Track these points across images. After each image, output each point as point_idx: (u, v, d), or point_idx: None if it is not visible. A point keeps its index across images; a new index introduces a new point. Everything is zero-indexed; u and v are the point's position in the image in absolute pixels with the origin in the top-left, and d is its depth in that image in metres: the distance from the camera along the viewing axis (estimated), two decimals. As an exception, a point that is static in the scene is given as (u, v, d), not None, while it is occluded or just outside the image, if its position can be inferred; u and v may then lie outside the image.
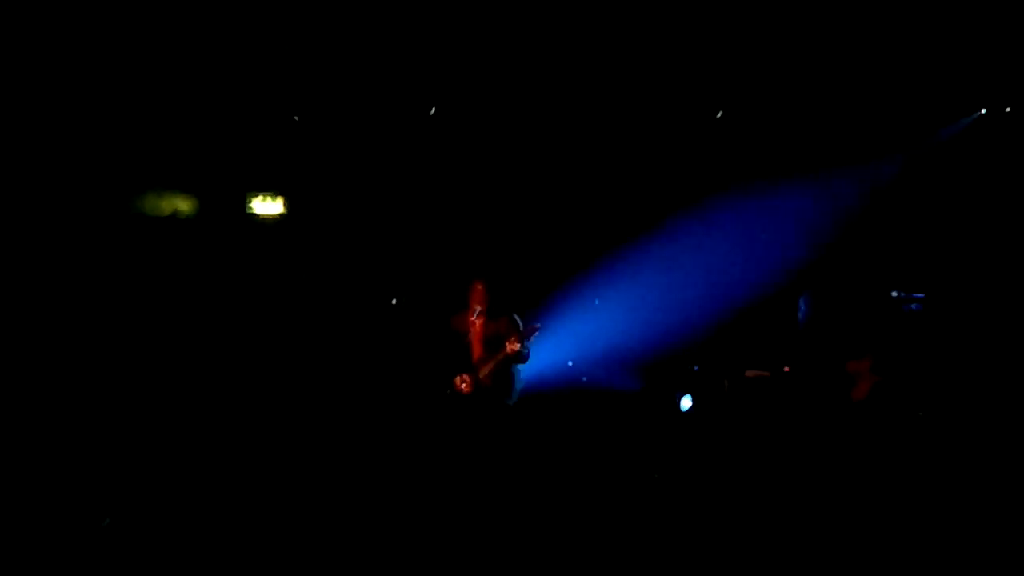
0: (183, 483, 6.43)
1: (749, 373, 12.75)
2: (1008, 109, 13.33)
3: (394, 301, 14.34)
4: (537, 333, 10.94)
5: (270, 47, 12.78)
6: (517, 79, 13.38)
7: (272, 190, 14.53)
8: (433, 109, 14.03)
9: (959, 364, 11.44)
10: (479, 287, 10.91)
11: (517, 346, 10.63)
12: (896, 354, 10.76)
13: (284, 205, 14.64)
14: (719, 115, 14.15)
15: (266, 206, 14.59)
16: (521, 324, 11.02)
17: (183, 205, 14.08)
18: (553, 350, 13.00)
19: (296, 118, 13.81)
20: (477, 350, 10.88)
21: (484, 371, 10.75)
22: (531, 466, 6.40)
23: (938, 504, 6.34)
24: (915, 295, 12.61)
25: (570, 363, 13.57)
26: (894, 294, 11.84)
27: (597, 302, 14.01)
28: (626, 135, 14.38)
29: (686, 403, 12.95)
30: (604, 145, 14.54)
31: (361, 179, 14.37)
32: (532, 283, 14.06)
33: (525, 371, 11.07)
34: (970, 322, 12.47)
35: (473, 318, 10.91)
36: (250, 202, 14.56)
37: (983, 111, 13.35)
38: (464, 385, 10.69)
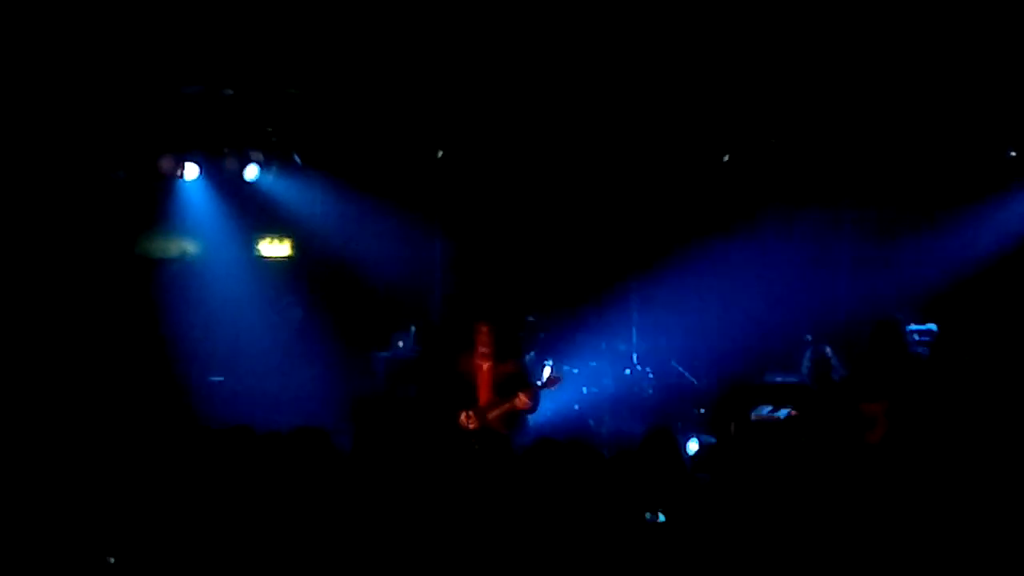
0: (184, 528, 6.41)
1: (756, 417, 12.70)
2: None
3: (400, 344, 14.32)
4: (555, 387, 10.87)
5: (274, 92, 12.83)
6: (526, 119, 13.40)
7: (279, 232, 14.59)
8: (440, 152, 14.07)
9: (973, 407, 11.37)
10: (484, 329, 10.78)
11: (529, 403, 10.54)
12: (911, 398, 10.71)
13: (291, 247, 14.70)
14: (726, 158, 14.18)
15: (273, 248, 14.65)
16: (533, 373, 10.94)
17: (190, 247, 14.15)
18: (561, 392, 12.96)
19: (299, 160, 13.85)
20: (484, 394, 10.74)
21: (493, 415, 10.63)
22: (530, 508, 6.36)
23: (948, 548, 6.31)
24: (928, 326, 12.56)
25: (577, 406, 13.53)
26: (909, 328, 11.77)
27: (604, 345, 13.96)
28: (635, 171, 14.39)
29: (692, 447, 12.90)
30: (614, 188, 14.57)
31: (370, 220, 14.39)
32: (541, 323, 14.10)
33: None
34: (984, 358, 12.40)
35: (479, 361, 10.81)
36: (258, 244, 14.62)
37: None
38: (470, 422, 10.57)
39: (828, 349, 11.96)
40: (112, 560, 6.25)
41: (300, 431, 7.09)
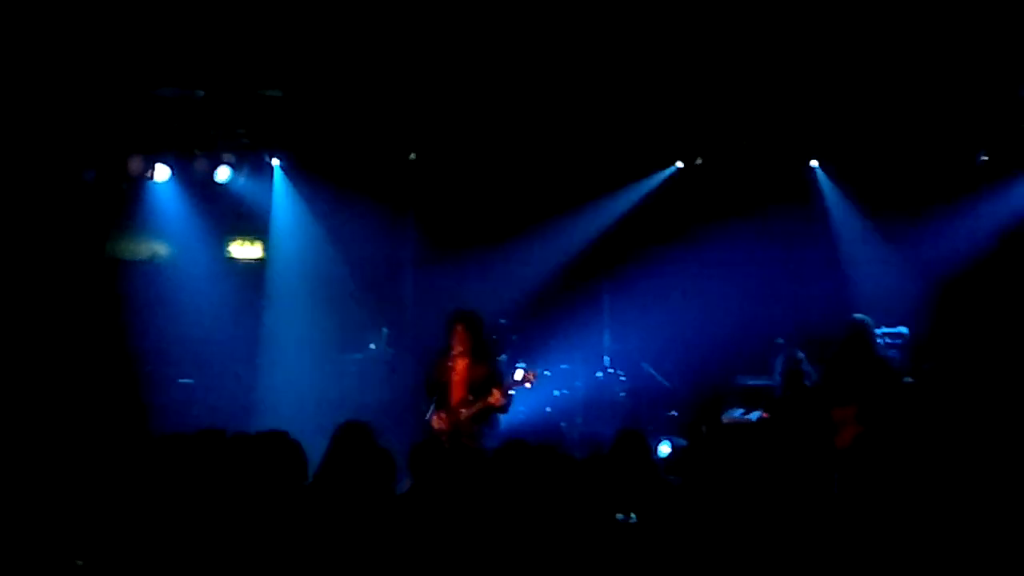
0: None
1: (727, 420, 12.71)
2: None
3: (372, 346, 14.28)
4: (529, 385, 10.89)
5: (246, 93, 12.79)
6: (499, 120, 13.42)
7: (250, 234, 14.52)
8: (413, 154, 14.05)
9: (946, 411, 11.42)
10: (460, 328, 10.82)
11: (502, 401, 10.61)
12: (881, 403, 10.73)
13: (262, 249, 14.63)
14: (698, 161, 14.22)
15: (244, 250, 14.58)
16: (507, 373, 10.99)
17: (160, 248, 14.07)
18: (531, 395, 12.94)
19: (276, 161, 13.80)
20: (458, 392, 10.79)
21: (465, 414, 10.67)
22: (502, 511, 6.35)
23: (917, 550, 6.32)
24: (899, 329, 12.60)
25: (548, 409, 13.52)
26: (879, 331, 11.80)
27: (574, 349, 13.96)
28: (608, 172, 14.42)
29: (664, 449, 12.91)
30: (586, 189, 14.58)
31: (342, 222, 14.34)
32: (513, 325, 14.09)
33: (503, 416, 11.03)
34: (957, 363, 12.47)
35: (453, 360, 10.83)
36: (229, 246, 14.55)
37: None
38: (441, 424, 10.62)
39: (801, 354, 11.98)
40: (80, 563, 6.20)
41: (269, 435, 7.05)
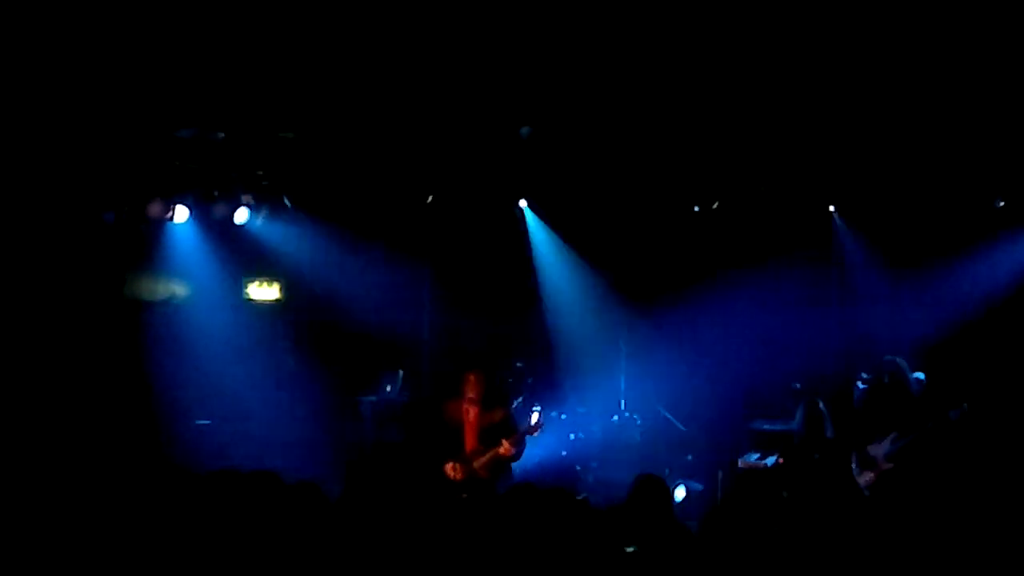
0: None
1: (743, 464, 12.68)
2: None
3: (388, 388, 14.28)
4: (538, 432, 10.94)
5: (266, 135, 12.84)
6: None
7: (268, 276, 14.56)
8: (430, 197, 14.08)
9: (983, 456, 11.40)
10: (472, 377, 10.84)
11: (513, 450, 10.64)
12: (916, 444, 10.74)
13: (280, 291, 14.66)
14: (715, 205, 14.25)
15: (262, 291, 14.61)
16: (521, 419, 11.03)
17: (179, 289, 14.10)
18: (546, 438, 12.93)
19: (289, 203, 13.84)
20: (471, 440, 10.81)
21: (479, 463, 10.69)
22: (509, 555, 6.33)
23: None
24: (916, 375, 12.59)
25: (564, 452, 13.50)
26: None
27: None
28: (624, 217, 14.44)
29: (680, 493, 12.87)
30: (601, 235, 14.61)
31: (359, 264, 14.38)
32: (529, 369, 14.10)
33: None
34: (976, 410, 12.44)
35: (466, 407, 10.84)
36: (247, 287, 14.58)
37: None
38: (455, 472, 10.63)
39: (822, 404, 11.99)
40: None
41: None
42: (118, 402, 13.05)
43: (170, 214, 13.30)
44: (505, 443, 10.61)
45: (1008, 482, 10.26)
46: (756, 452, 12.74)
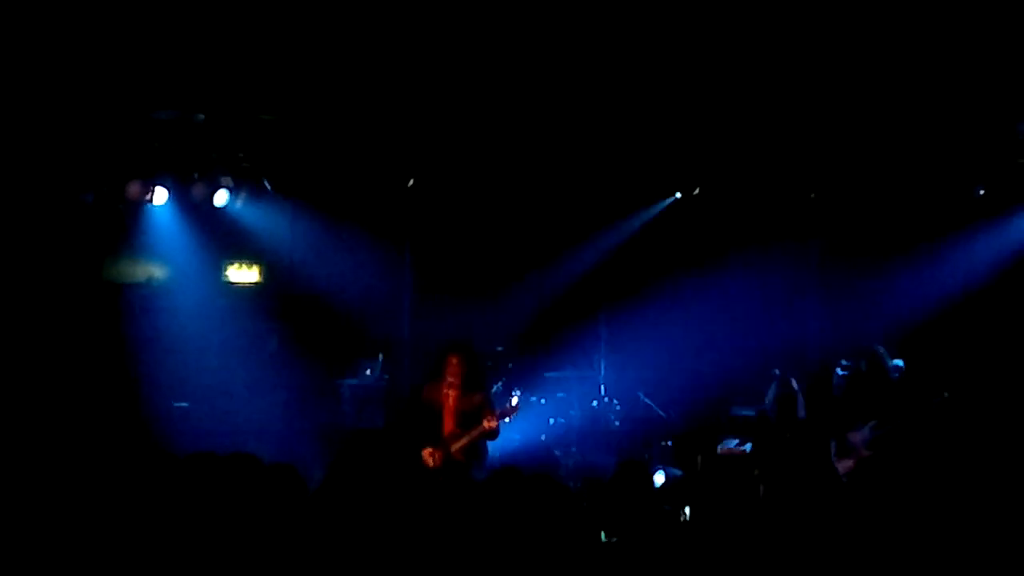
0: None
1: (722, 450, 12.70)
2: None
3: (368, 372, 14.26)
4: (517, 413, 10.96)
5: (246, 117, 12.80)
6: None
7: (248, 258, 14.51)
8: (411, 180, 14.06)
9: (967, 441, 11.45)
10: (454, 360, 10.82)
11: (495, 424, 10.62)
12: (895, 430, 10.78)
13: (260, 273, 14.62)
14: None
15: (242, 274, 14.56)
16: (499, 404, 11.03)
17: (157, 272, 14.05)
18: (525, 423, 12.93)
19: (269, 186, 13.78)
20: (449, 423, 10.80)
21: (456, 446, 10.68)
22: (493, 541, 6.32)
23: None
24: (895, 363, 12.63)
25: (543, 437, 13.50)
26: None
27: (571, 376, 13.95)
28: (605, 204, 14.45)
29: (659, 479, 12.88)
30: (584, 220, 14.61)
31: (340, 247, 14.35)
32: (510, 353, 14.09)
33: (494, 444, 11.01)
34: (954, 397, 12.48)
35: (447, 391, 10.83)
36: (226, 270, 14.53)
37: None
38: (432, 459, 10.62)
39: (794, 383, 12.00)
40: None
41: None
42: (96, 385, 13.00)
43: (149, 196, 13.22)
44: (489, 416, 10.62)
45: (987, 470, 10.30)
46: (735, 438, 12.76)
